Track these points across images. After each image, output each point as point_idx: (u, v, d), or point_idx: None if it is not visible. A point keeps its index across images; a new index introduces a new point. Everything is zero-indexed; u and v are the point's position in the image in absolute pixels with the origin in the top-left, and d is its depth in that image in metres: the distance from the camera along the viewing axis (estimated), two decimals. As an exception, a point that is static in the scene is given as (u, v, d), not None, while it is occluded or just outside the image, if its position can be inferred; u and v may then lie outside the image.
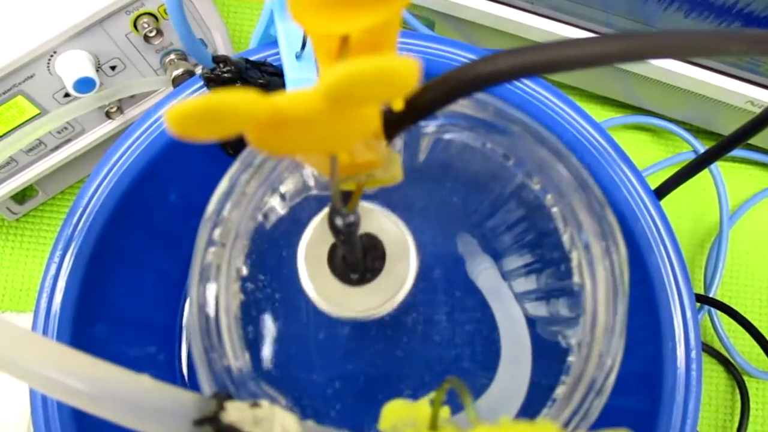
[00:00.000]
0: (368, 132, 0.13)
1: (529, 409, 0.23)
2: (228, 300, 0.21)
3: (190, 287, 0.21)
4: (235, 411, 0.14)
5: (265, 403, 0.14)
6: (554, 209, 0.22)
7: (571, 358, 0.21)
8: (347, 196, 0.17)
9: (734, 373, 0.49)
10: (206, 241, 0.22)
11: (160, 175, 0.31)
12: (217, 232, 0.22)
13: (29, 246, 0.49)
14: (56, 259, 0.30)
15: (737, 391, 0.49)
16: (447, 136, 0.22)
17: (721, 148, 0.32)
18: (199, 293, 0.21)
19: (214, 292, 0.21)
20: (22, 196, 0.48)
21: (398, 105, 0.14)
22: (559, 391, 0.21)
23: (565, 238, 0.22)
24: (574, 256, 0.22)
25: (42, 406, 0.28)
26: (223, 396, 0.14)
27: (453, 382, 0.15)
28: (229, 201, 0.22)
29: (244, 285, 0.22)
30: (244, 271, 0.22)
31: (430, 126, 0.23)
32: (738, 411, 0.49)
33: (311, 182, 0.24)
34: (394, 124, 0.14)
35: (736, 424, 0.49)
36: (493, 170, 0.24)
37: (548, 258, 0.24)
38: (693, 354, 0.30)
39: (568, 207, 0.21)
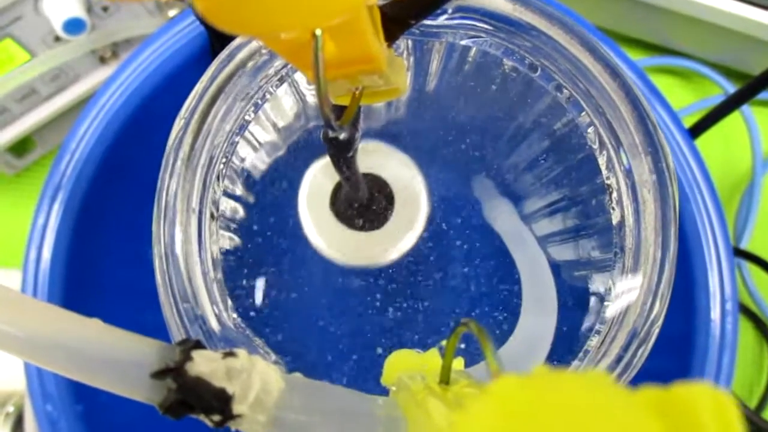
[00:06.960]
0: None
1: (556, 362, 0.21)
2: (201, 241, 0.18)
3: (153, 225, 0.18)
4: (204, 361, 0.12)
5: (242, 352, 0.12)
6: (589, 130, 0.19)
7: (606, 304, 0.19)
8: (342, 111, 0.14)
9: (764, 329, 0.47)
10: (169, 172, 0.19)
11: (153, 114, 0.29)
12: (182, 156, 0.19)
13: (30, 201, 0.47)
14: (44, 210, 0.28)
15: (767, 348, 0.47)
16: (463, 42, 0.20)
17: (756, 85, 0.31)
18: (163, 233, 0.18)
19: (180, 230, 0.18)
20: (20, 150, 0.46)
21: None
22: (593, 342, 0.18)
23: (601, 162, 0.19)
24: (612, 183, 0.19)
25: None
26: (191, 344, 0.12)
27: (469, 326, 0.13)
28: (195, 116, 0.19)
29: (226, 225, 0.20)
30: (226, 206, 0.20)
31: (441, 20, 0.19)
32: (767, 369, 0.47)
33: (310, 109, 0.21)
34: (396, 19, 0.12)
35: (764, 383, 0.46)
36: (516, 92, 0.21)
37: (576, 193, 0.22)
38: (728, 306, 0.28)
39: (605, 123, 0.19)
